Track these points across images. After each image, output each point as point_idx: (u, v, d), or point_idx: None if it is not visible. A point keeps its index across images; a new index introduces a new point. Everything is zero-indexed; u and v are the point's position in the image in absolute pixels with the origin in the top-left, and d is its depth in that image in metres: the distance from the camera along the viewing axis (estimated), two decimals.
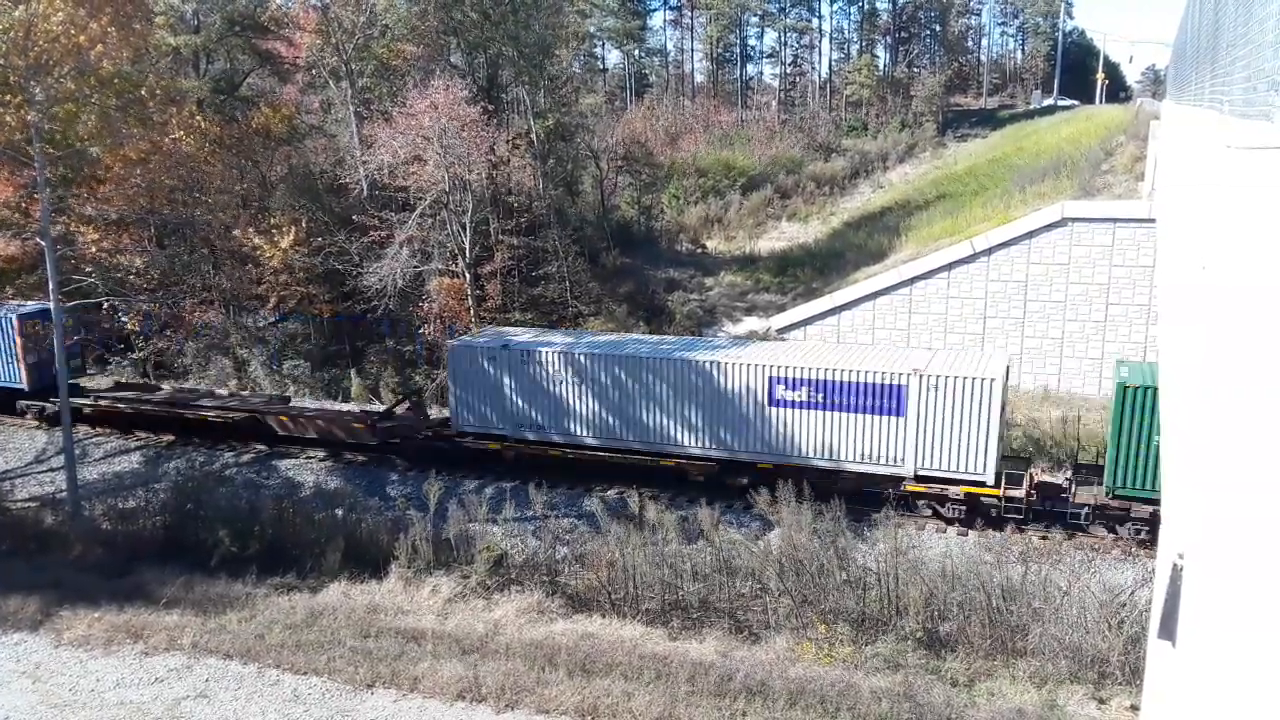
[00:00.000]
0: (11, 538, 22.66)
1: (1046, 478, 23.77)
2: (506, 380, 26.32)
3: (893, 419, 22.71)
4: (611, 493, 25.14)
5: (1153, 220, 27.66)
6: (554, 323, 38.49)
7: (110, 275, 27.75)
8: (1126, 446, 20.89)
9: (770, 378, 23.73)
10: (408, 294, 35.23)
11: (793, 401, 23.60)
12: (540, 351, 25.85)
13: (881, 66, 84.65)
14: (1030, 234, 31.08)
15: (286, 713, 15.23)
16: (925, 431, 22.45)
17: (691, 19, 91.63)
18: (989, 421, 21.80)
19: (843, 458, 23.49)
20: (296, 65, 42.70)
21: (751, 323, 38.27)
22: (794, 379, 23.52)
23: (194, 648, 17.17)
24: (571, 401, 25.81)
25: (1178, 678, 5.15)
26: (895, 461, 22.95)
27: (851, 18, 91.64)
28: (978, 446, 22.05)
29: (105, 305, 29.79)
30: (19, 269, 34.03)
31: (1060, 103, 78.96)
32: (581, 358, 25.46)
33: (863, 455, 23.25)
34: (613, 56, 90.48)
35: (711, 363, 24.32)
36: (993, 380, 21.68)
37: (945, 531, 22.67)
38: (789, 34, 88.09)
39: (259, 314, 35.19)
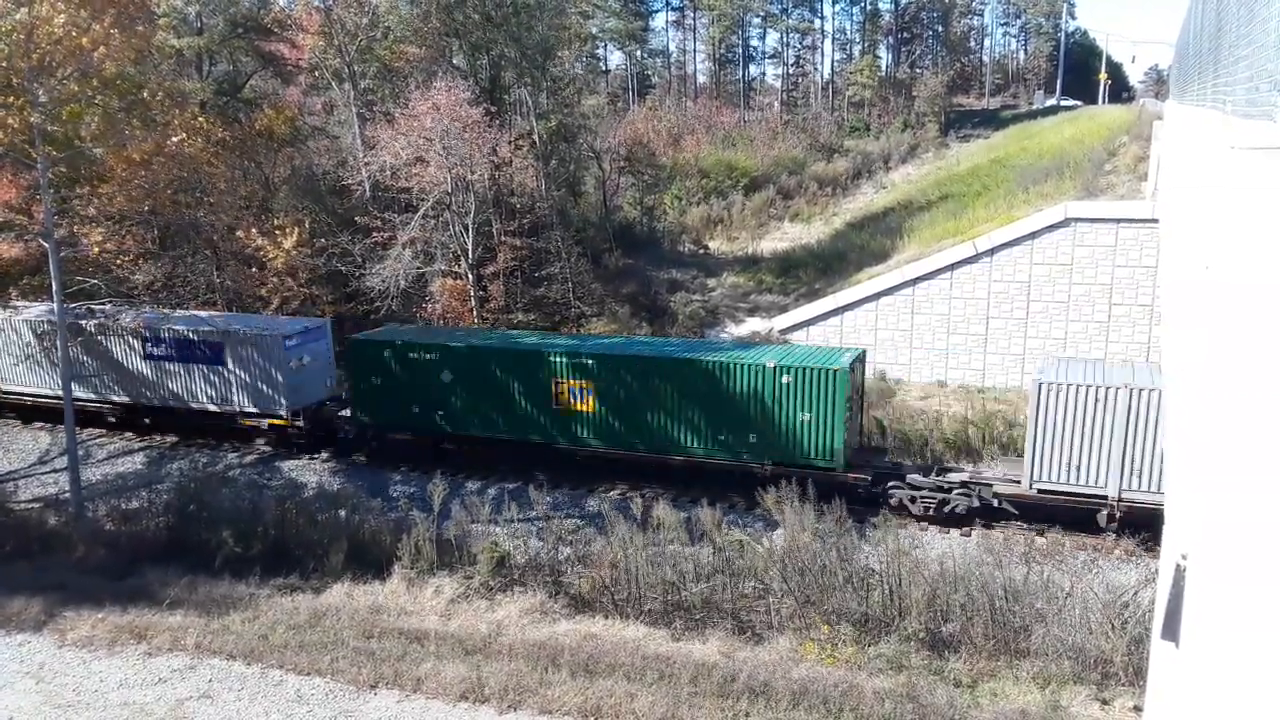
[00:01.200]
0: (15, 539, 22.68)
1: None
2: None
3: (222, 369, 28.82)
4: (614, 493, 25.33)
5: (1156, 220, 27.64)
6: (556, 324, 38.51)
7: (113, 275, 27.83)
8: (361, 390, 27.99)
9: (144, 338, 29.30)
10: (410, 295, 35.28)
11: (159, 355, 29.61)
12: (16, 322, 31.17)
13: (884, 67, 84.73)
14: (1033, 234, 31.07)
15: (290, 713, 15.24)
16: (242, 379, 28.76)
17: (694, 20, 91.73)
18: (278, 372, 28.22)
19: (203, 401, 29.44)
20: (299, 67, 42.81)
21: (754, 323, 38.28)
22: (159, 338, 29.37)
23: (197, 648, 17.18)
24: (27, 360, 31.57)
25: (1181, 678, 5.15)
26: (232, 403, 29.07)
27: (854, 18, 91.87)
28: (274, 391, 28.40)
29: (109, 306, 29.87)
30: (22, 271, 34.10)
31: (1063, 103, 78.93)
32: (44, 324, 30.39)
33: (220, 399, 29.25)
34: (615, 57, 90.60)
35: (96, 326, 29.03)
36: (281, 339, 28.00)
37: (948, 532, 22.74)
38: (791, 35, 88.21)
39: (262, 315, 35.27)
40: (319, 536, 21.68)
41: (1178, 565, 5.35)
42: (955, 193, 49.26)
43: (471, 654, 16.69)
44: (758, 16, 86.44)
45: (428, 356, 27.05)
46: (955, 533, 22.69)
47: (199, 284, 36.94)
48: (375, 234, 34.46)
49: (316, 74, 42.65)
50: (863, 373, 25.63)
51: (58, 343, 24.66)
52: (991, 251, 31.77)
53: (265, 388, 28.57)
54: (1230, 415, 4.98)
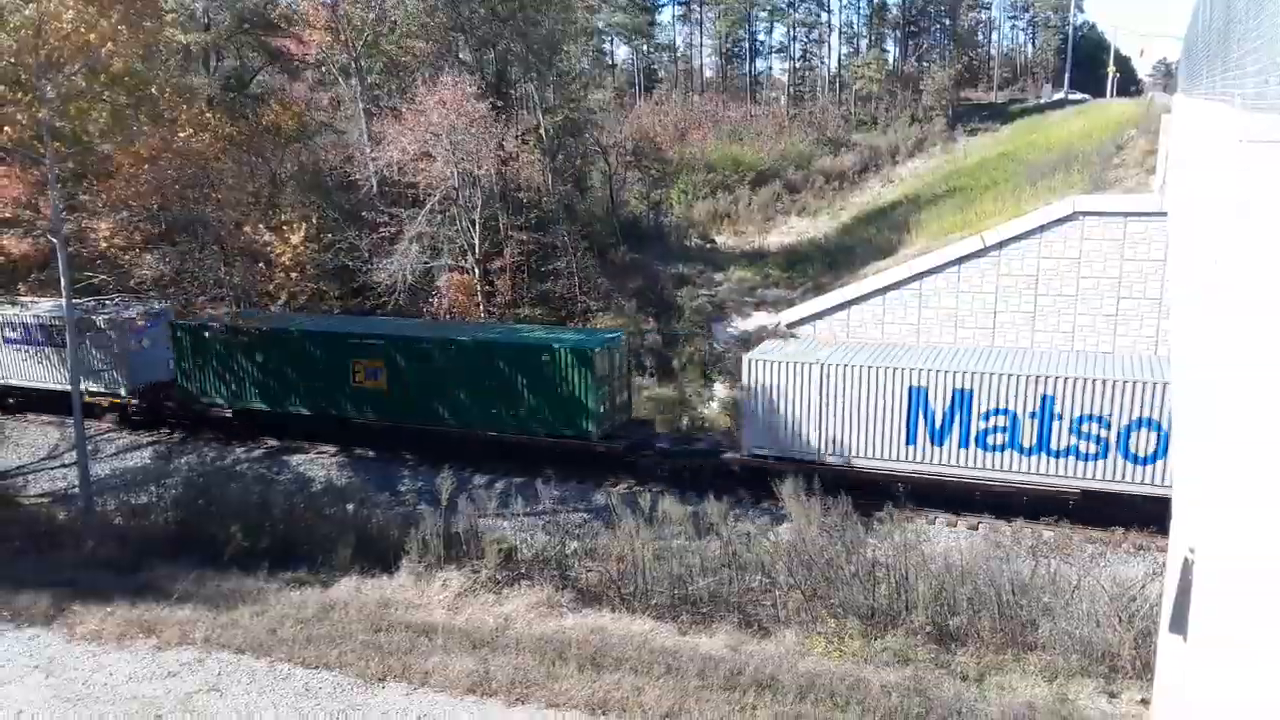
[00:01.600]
0: (24, 533, 22.80)
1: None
2: None
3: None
4: (621, 487, 25.36)
5: (1164, 214, 27.53)
6: (563, 318, 38.50)
7: (121, 270, 27.88)
8: (185, 370, 30.63)
9: (4, 323, 32.29)
10: (418, 290, 35.30)
11: (14, 340, 32.70)
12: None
13: (891, 61, 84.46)
14: (1041, 228, 30.92)
15: (298, 706, 15.30)
16: (86, 362, 30.09)
17: (700, 14, 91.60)
18: (119, 355, 30.88)
19: (54, 382, 31.54)
20: (306, 62, 42.81)
21: (761, 317, 38.24)
22: (12, 324, 32.38)
23: (206, 642, 17.24)
24: None
25: (1188, 671, 5.16)
26: (111, 387, 31.47)
27: (861, 12, 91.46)
28: (116, 372, 30.98)
29: (116, 302, 29.98)
30: (30, 266, 34.18)
31: (1071, 97, 78.54)
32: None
33: (68, 379, 30.26)
34: (621, 52, 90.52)
35: None
36: (123, 324, 30.48)
37: (955, 526, 22.75)
38: (798, 28, 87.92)
39: (271, 310, 35.33)
40: (327, 530, 21.74)
41: (1185, 558, 5.35)
42: (963, 187, 49.10)
43: (479, 647, 16.72)
44: (764, 10, 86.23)
45: (242, 339, 29.38)
46: (962, 526, 22.72)
47: (207, 280, 37.00)
48: (382, 229, 34.48)
49: (323, 69, 42.66)
50: (622, 354, 27.73)
51: (68, 340, 24.71)
52: (999, 245, 31.62)
53: (108, 369, 31.09)
54: (1239, 409, 4.98)
